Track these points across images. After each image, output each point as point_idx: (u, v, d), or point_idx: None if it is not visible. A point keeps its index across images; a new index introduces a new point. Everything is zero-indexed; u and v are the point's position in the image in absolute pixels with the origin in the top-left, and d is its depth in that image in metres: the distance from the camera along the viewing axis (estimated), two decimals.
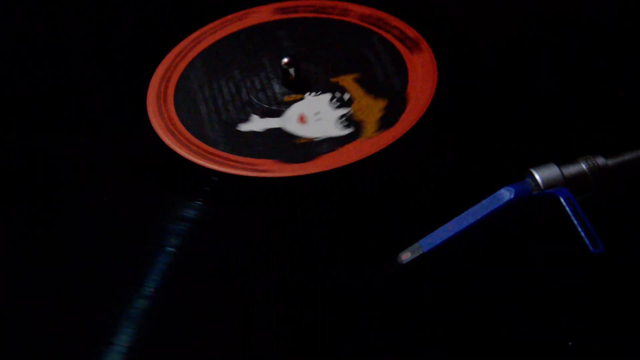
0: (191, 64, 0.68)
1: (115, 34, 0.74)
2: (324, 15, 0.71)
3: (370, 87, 0.63)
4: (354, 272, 0.51)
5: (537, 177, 0.51)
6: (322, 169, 0.57)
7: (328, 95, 0.63)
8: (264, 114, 0.62)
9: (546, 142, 0.57)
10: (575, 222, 0.48)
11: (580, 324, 0.47)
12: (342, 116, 0.61)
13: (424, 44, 0.66)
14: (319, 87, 0.64)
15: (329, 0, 0.73)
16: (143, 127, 0.63)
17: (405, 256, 0.49)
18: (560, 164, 0.51)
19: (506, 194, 0.50)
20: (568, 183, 0.50)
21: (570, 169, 0.51)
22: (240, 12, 0.73)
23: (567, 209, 0.49)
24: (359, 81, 0.64)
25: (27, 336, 0.50)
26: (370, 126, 0.60)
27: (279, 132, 0.61)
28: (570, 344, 0.46)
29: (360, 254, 0.52)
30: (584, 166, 0.51)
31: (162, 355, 0.49)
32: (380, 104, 0.62)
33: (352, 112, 0.61)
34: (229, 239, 0.54)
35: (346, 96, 0.63)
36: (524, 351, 0.46)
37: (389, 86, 0.63)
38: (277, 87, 0.65)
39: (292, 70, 0.64)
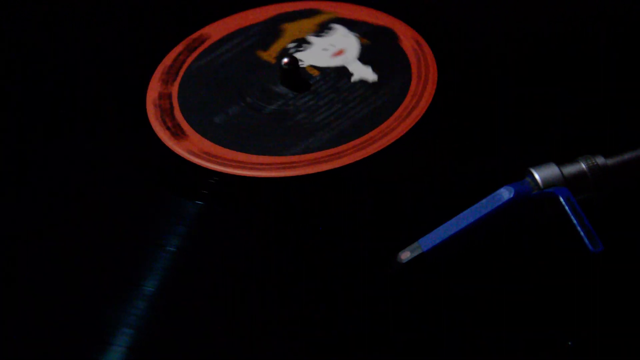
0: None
1: (115, 33, 0.74)
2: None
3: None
4: (353, 272, 0.51)
5: (536, 176, 0.51)
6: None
7: (309, 37, 0.66)
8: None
9: (546, 141, 0.57)
10: (574, 221, 0.48)
11: (580, 324, 0.47)
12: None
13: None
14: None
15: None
16: (143, 127, 0.63)
17: (405, 255, 0.49)
18: (559, 163, 0.51)
19: (506, 193, 0.50)
20: (568, 183, 0.50)
21: (570, 169, 0.51)
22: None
23: (567, 208, 0.49)
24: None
25: (27, 336, 0.50)
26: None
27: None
28: (570, 344, 0.46)
29: (359, 254, 0.52)
30: (583, 166, 0.51)
31: (162, 355, 0.49)
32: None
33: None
34: (229, 239, 0.54)
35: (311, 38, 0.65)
36: (524, 351, 0.46)
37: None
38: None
39: (289, 60, 0.64)
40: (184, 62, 0.69)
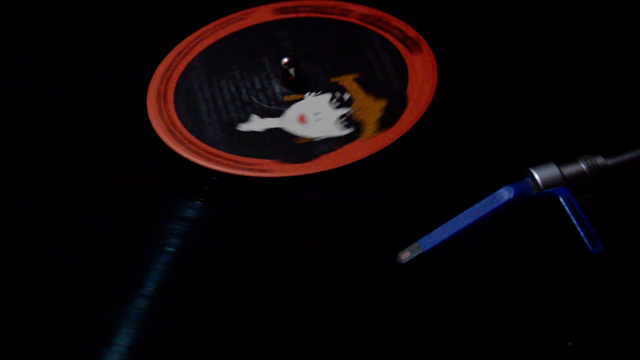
0: (191, 64, 0.68)
1: (115, 33, 0.74)
2: (324, 15, 0.72)
3: (370, 87, 0.63)
4: (353, 272, 0.51)
5: (536, 176, 0.51)
6: (322, 169, 0.57)
7: (328, 95, 0.63)
8: (264, 114, 0.62)
9: (546, 141, 0.57)
10: (574, 222, 0.48)
11: (580, 324, 0.47)
12: (342, 116, 0.61)
13: (424, 44, 0.66)
14: (319, 87, 0.64)
15: (329, 0, 0.73)
16: (143, 127, 0.63)
17: (405, 256, 0.49)
18: (559, 163, 0.51)
19: (505, 193, 0.50)
20: (567, 183, 0.50)
21: (570, 169, 0.51)
22: (241, 12, 0.73)
23: (567, 208, 0.49)
24: (359, 81, 0.64)
25: (27, 336, 0.50)
26: (370, 126, 0.60)
27: (279, 132, 0.61)
28: (570, 344, 0.46)
29: (359, 254, 0.52)
30: (583, 166, 0.51)
31: (162, 355, 0.49)
32: (380, 104, 0.62)
33: (352, 112, 0.61)
34: (229, 239, 0.54)
35: (346, 96, 0.63)
36: (524, 351, 0.46)
37: (389, 86, 0.63)
38: (277, 87, 0.65)
39: (292, 70, 0.64)
40: (181, 61, 0.69)
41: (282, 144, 0.60)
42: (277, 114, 0.62)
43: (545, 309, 0.48)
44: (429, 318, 0.48)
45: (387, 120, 0.60)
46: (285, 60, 0.64)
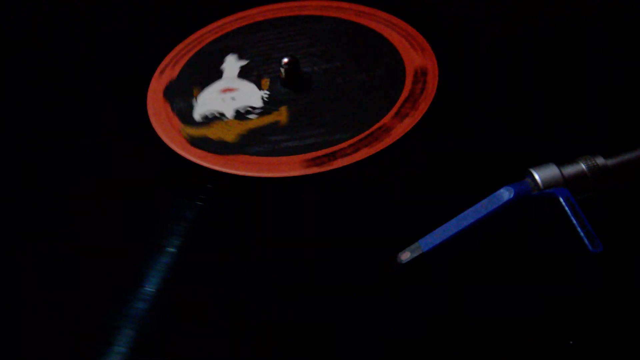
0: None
1: (115, 33, 0.74)
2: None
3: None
4: (353, 272, 0.51)
5: (536, 177, 0.51)
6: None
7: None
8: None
9: (546, 142, 0.57)
10: (574, 222, 0.48)
11: (580, 324, 0.47)
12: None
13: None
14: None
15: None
16: (143, 127, 0.63)
17: (405, 256, 0.49)
18: (559, 164, 0.51)
19: (505, 193, 0.50)
20: (567, 183, 0.50)
21: (570, 169, 0.51)
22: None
23: (567, 209, 0.49)
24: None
25: (27, 336, 0.50)
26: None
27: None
28: (571, 343, 0.46)
29: (359, 254, 0.52)
30: (583, 166, 0.51)
31: (162, 355, 0.49)
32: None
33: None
34: (229, 239, 0.54)
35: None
36: (524, 351, 0.46)
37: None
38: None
39: (282, 70, 0.64)
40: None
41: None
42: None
43: (545, 309, 0.48)
44: (429, 318, 0.48)
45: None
46: (285, 60, 0.64)
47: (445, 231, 0.49)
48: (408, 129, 0.59)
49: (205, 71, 0.67)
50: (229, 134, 0.60)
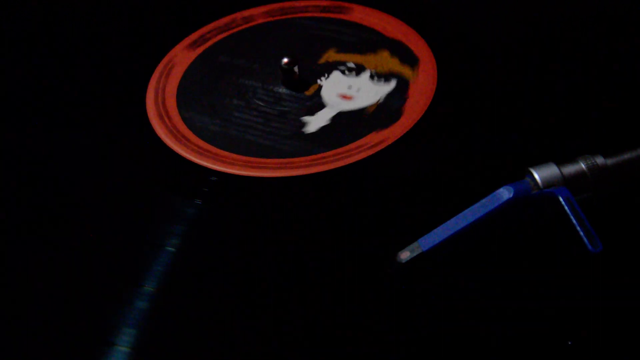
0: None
1: (115, 33, 0.74)
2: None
3: (358, 49, 0.65)
4: (353, 272, 0.51)
5: (536, 176, 0.51)
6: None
7: (337, 72, 0.65)
8: (307, 113, 0.63)
9: (545, 141, 0.57)
10: (574, 221, 0.48)
11: (580, 324, 0.47)
12: (370, 76, 0.63)
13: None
14: (317, 73, 0.65)
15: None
16: (143, 127, 0.63)
17: (405, 255, 0.49)
18: (559, 163, 0.51)
19: (505, 193, 0.50)
20: (567, 182, 0.50)
21: (570, 169, 0.51)
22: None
23: (566, 208, 0.49)
24: (342, 51, 0.65)
25: (27, 336, 0.50)
26: (405, 70, 0.62)
27: (344, 116, 0.62)
28: (570, 343, 0.46)
29: (359, 254, 0.52)
30: (583, 166, 0.51)
31: (162, 355, 0.49)
32: (383, 54, 0.62)
33: (373, 70, 0.64)
34: (229, 239, 0.54)
35: (350, 64, 0.64)
36: (524, 351, 0.46)
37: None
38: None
39: (296, 68, 0.64)
40: (181, 61, 0.69)
41: (357, 121, 0.61)
42: (318, 107, 0.63)
43: (546, 309, 0.48)
44: (429, 318, 0.48)
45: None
46: (285, 60, 0.64)
47: (445, 230, 0.49)
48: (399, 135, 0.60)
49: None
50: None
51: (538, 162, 0.51)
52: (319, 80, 0.65)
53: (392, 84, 0.62)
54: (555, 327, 0.47)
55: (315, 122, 0.61)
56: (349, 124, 0.61)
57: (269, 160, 0.58)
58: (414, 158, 0.58)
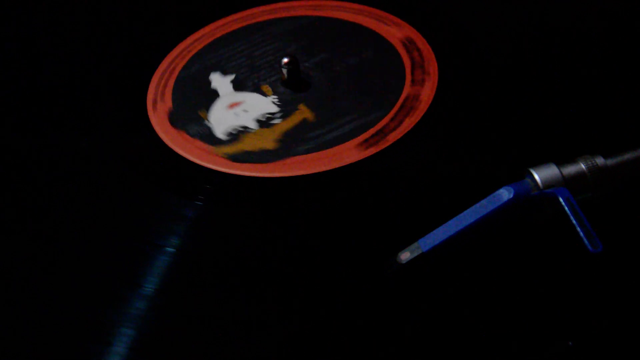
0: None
1: (115, 33, 0.74)
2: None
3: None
4: (353, 272, 0.51)
5: (536, 177, 0.51)
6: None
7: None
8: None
9: (545, 142, 0.57)
10: (574, 222, 0.48)
11: (580, 324, 0.47)
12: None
13: (397, 20, 0.67)
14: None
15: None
16: (143, 127, 0.63)
17: (405, 256, 0.49)
18: (559, 163, 0.51)
19: (505, 193, 0.50)
20: (567, 183, 0.50)
21: (570, 169, 0.51)
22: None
23: (566, 209, 0.49)
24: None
25: (27, 336, 0.50)
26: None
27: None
28: (570, 344, 0.46)
29: (359, 254, 0.52)
30: (583, 166, 0.51)
31: (162, 355, 0.49)
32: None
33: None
34: (229, 239, 0.54)
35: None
36: (524, 351, 0.46)
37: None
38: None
39: (284, 70, 0.64)
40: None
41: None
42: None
43: (545, 308, 0.48)
44: (429, 318, 0.48)
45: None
46: (285, 60, 0.64)
47: (445, 231, 0.49)
48: (434, 91, 0.61)
49: (198, 94, 0.66)
50: (267, 142, 0.60)
51: (538, 163, 0.51)
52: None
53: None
54: (555, 327, 0.47)
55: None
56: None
57: (321, 153, 0.59)
58: (414, 158, 0.58)
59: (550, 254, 0.50)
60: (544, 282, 0.49)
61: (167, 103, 0.65)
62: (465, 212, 0.49)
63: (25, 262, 0.54)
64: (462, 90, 0.62)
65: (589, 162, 0.51)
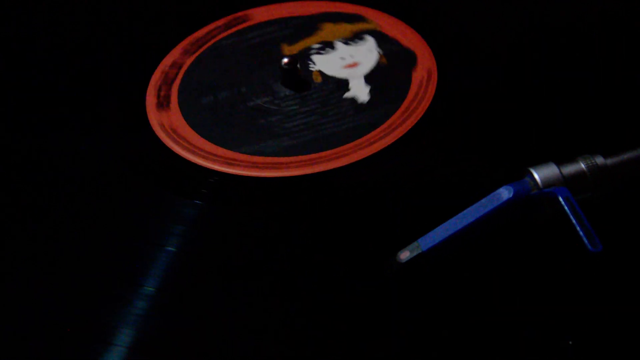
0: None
1: (115, 33, 0.74)
2: (234, 29, 0.72)
3: (304, 35, 0.67)
4: (353, 272, 0.51)
5: (536, 176, 0.51)
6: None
7: (315, 56, 0.66)
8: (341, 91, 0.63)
9: (545, 141, 0.57)
10: (574, 221, 0.48)
11: (580, 324, 0.47)
12: (345, 43, 0.65)
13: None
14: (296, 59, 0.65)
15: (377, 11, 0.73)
16: (143, 127, 0.63)
17: (404, 255, 0.49)
18: (559, 163, 0.51)
19: (505, 193, 0.50)
20: (567, 182, 0.50)
21: (569, 169, 0.51)
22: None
23: (566, 208, 0.49)
24: (294, 42, 0.66)
25: (27, 336, 0.50)
26: (360, 26, 0.64)
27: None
28: (570, 343, 0.46)
29: (359, 254, 0.52)
30: (583, 165, 0.51)
31: (162, 355, 0.49)
32: (328, 24, 0.64)
33: (339, 38, 0.65)
34: (229, 239, 0.54)
35: (315, 46, 0.66)
36: (524, 351, 0.46)
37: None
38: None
39: (299, 65, 0.64)
40: (214, 37, 0.69)
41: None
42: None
43: (545, 309, 0.48)
44: (429, 318, 0.48)
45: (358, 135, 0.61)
46: (285, 60, 0.64)
47: (445, 230, 0.49)
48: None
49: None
50: None
51: (538, 162, 0.51)
52: (311, 68, 0.65)
53: (369, 39, 0.62)
54: (555, 327, 0.47)
55: (359, 91, 0.62)
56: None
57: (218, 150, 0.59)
58: (413, 158, 0.58)
59: (550, 254, 0.50)
60: (544, 281, 0.49)
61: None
62: (465, 211, 0.49)
63: (26, 262, 0.54)
64: (462, 90, 0.62)
65: (589, 162, 0.51)
